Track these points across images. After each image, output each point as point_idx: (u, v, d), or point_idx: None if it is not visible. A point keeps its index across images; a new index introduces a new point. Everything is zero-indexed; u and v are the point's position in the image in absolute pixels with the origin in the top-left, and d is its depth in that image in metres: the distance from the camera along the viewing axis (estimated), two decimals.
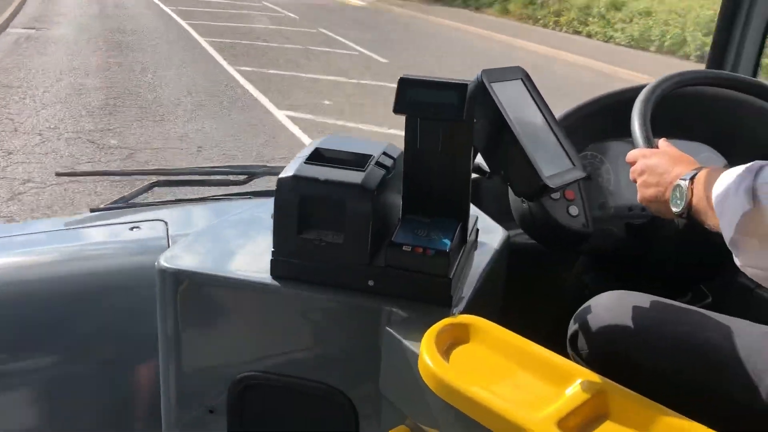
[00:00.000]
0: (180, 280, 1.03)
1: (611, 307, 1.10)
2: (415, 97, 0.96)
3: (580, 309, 1.13)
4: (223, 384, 1.05)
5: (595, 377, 0.80)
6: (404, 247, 0.96)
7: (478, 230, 1.16)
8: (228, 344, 1.06)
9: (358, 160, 1.03)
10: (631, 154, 1.14)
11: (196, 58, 10.33)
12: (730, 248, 0.84)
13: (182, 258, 1.06)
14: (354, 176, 0.99)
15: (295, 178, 1.00)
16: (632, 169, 1.11)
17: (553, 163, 1.04)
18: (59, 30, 12.17)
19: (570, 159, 1.09)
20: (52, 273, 1.35)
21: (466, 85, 0.95)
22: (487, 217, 1.27)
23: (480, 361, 0.86)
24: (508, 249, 1.21)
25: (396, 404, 0.95)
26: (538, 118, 1.09)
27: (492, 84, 1.00)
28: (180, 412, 1.10)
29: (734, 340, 1.01)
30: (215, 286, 1.03)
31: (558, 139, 1.10)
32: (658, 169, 1.05)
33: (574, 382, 0.80)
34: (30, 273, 1.35)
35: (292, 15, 16.38)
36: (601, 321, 1.08)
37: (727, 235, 0.83)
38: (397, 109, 0.96)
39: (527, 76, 1.11)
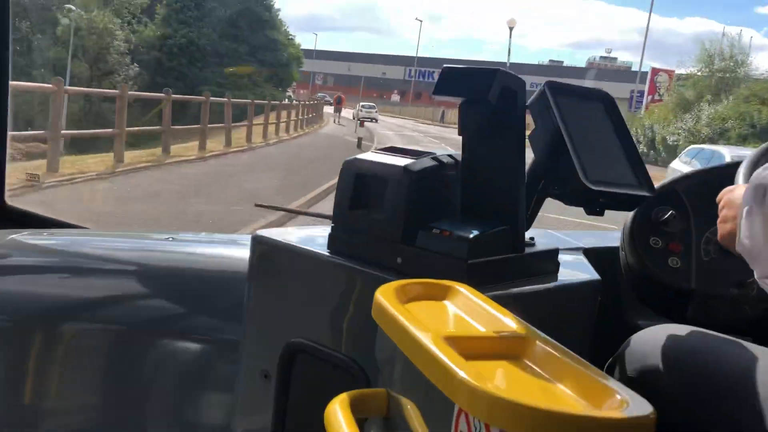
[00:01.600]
0: (259, 244, 1.15)
1: (659, 343, 1.00)
2: (451, 82, 1.00)
3: (630, 343, 1.05)
4: (278, 349, 1.12)
5: (526, 327, 0.75)
6: (434, 230, 1.00)
7: (556, 253, 1.11)
8: (286, 310, 1.14)
9: (419, 154, 1.09)
10: (721, 192, 0.99)
11: None
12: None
13: (272, 233, 1.17)
14: (404, 161, 1.05)
15: (356, 159, 1.09)
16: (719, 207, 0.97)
17: (609, 174, 1.03)
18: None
19: (637, 178, 1.06)
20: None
21: (497, 69, 0.98)
22: (586, 260, 1.22)
23: (435, 309, 0.85)
24: (593, 297, 1.12)
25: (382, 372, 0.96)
26: (610, 140, 1.09)
27: (557, 96, 1.04)
28: (245, 377, 1.20)
29: None
30: (285, 254, 1.13)
31: (630, 164, 1.07)
32: (738, 201, 0.89)
33: (503, 329, 0.75)
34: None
35: None
36: (652, 358, 0.99)
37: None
38: (435, 91, 1.02)
39: (612, 103, 1.12)
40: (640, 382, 0.99)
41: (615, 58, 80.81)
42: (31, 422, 1.60)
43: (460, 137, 1.05)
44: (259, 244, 1.16)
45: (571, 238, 1.43)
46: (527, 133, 1.05)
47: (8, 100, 1.88)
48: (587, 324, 1.13)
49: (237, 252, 1.51)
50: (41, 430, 1.60)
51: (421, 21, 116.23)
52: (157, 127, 13.66)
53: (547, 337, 0.73)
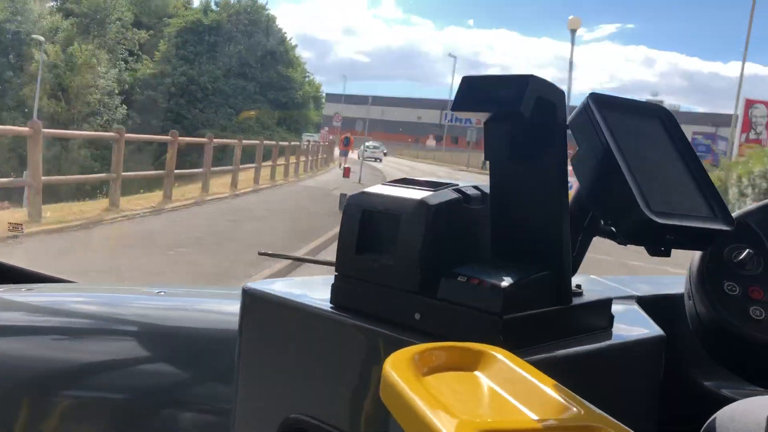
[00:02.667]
0: (250, 298, 0.97)
1: (755, 421, 0.79)
2: (472, 95, 0.82)
3: (716, 422, 0.84)
4: (273, 427, 0.93)
5: (592, 413, 0.57)
6: (460, 278, 0.81)
7: (609, 303, 0.93)
8: (282, 378, 0.95)
9: (438, 186, 0.90)
10: None
11: None
12: None
13: (265, 284, 0.99)
14: (420, 194, 0.86)
15: (363, 193, 0.90)
16: None
17: (676, 204, 0.84)
18: None
19: (711, 208, 0.87)
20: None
21: (529, 75, 0.80)
22: (641, 311, 1.04)
23: (463, 384, 0.65)
24: (657, 355, 0.94)
25: None
26: (673, 163, 0.90)
27: (604, 111, 0.85)
28: None
29: None
30: (280, 309, 0.94)
31: (701, 192, 0.88)
32: None
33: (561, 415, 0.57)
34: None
35: None
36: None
37: None
38: (454, 107, 0.83)
39: (671, 118, 0.94)
40: None
41: (661, 101, 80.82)
42: None
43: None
44: (250, 298, 0.97)
45: (618, 284, 1.22)
46: (569, 155, 0.86)
47: None
48: (651, 389, 0.93)
49: (231, 307, 1.33)
50: None
51: (455, 57, 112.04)
52: (160, 171, 13.49)
53: (620, 425, 0.53)
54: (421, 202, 0.84)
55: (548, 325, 0.84)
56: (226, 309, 1.48)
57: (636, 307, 1.05)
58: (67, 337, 1.47)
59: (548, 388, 0.60)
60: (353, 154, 33.06)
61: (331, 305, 0.90)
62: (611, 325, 0.91)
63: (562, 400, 0.58)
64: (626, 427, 0.54)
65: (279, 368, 0.95)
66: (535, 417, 0.56)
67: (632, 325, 0.96)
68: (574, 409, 0.56)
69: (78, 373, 1.41)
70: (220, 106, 30.22)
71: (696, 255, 1.01)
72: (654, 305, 1.06)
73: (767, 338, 0.89)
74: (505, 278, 0.79)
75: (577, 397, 0.58)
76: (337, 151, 34.57)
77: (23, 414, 1.39)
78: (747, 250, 0.98)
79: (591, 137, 0.84)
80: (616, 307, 0.96)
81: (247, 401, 0.98)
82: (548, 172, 0.83)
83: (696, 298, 0.95)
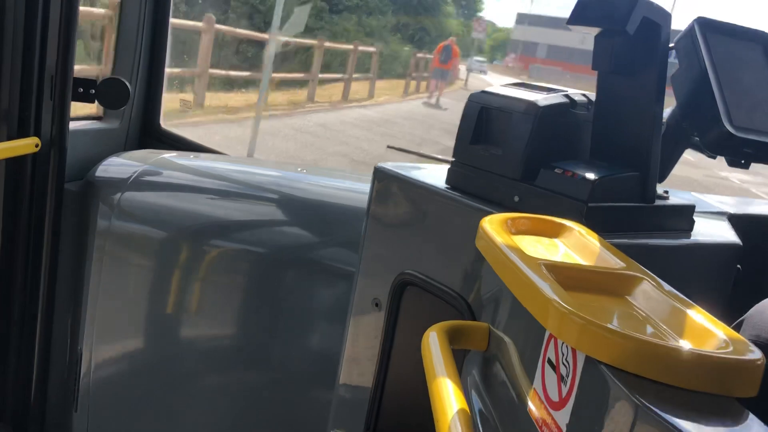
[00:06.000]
0: (380, 176, 1.16)
1: None
2: (586, 11, 0.94)
3: (753, 310, 0.93)
4: (389, 279, 1.14)
5: (635, 267, 0.71)
6: (556, 170, 0.95)
7: (691, 210, 1.04)
8: (400, 241, 1.15)
9: (552, 91, 1.03)
10: None
11: None
12: None
13: (393, 166, 1.18)
14: (534, 96, 1.00)
15: (483, 92, 1.05)
16: None
17: (760, 122, 0.94)
18: None
19: None
20: None
21: None
22: (728, 225, 1.13)
23: (543, 243, 0.81)
24: (729, 262, 1.04)
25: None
26: (766, 83, 0.99)
27: (708, 35, 0.95)
28: (357, 305, 1.23)
29: None
30: (403, 186, 1.13)
31: None
32: None
33: (610, 266, 0.71)
34: None
35: None
36: None
37: None
38: (569, 21, 0.96)
39: None
40: (762, 345, 0.86)
41: None
42: (169, 328, 1.75)
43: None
44: (380, 176, 1.17)
45: (721, 203, 1.32)
46: (671, 73, 0.97)
47: (168, 39, 2.02)
48: (720, 290, 1.04)
49: (361, 186, 1.54)
50: (179, 335, 1.74)
51: None
52: (303, 74, 13.59)
53: (659, 279, 0.68)
54: (531, 103, 0.99)
55: (629, 218, 0.97)
56: (356, 188, 1.71)
57: (725, 221, 1.15)
58: (220, 197, 1.76)
59: (609, 252, 0.76)
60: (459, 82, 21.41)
61: (446, 185, 1.08)
62: (691, 229, 1.03)
63: (615, 259, 0.73)
64: (663, 282, 0.68)
65: (398, 233, 1.16)
66: (585, 263, 0.72)
67: (712, 232, 1.07)
68: (622, 263, 0.72)
69: (225, 227, 1.71)
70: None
71: None
72: (744, 222, 1.16)
73: None
74: (595, 173, 0.93)
75: (632, 261, 0.73)
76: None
77: (182, 256, 1.71)
78: None
79: (690, 58, 0.95)
80: (706, 220, 1.08)
81: (370, 259, 1.20)
82: (647, 86, 0.95)
83: None
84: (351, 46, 15.45)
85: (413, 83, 18.42)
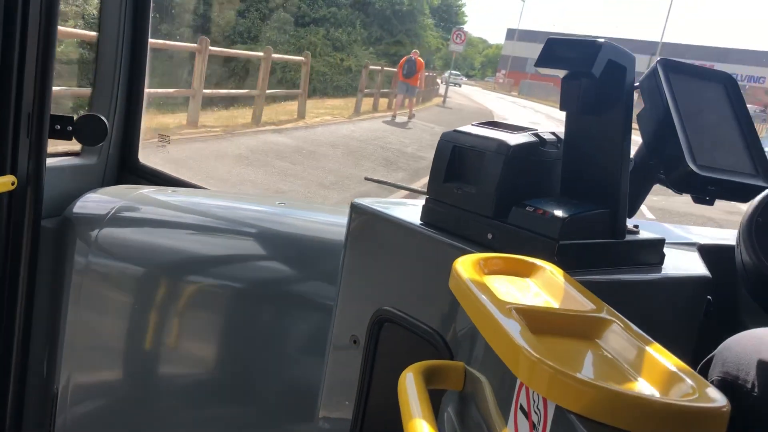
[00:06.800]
0: (356, 211, 1.19)
1: (759, 345, 0.90)
2: (554, 54, 0.97)
3: (727, 343, 0.95)
4: (367, 315, 1.16)
5: (605, 309, 0.72)
6: (528, 208, 0.98)
7: (661, 243, 1.06)
8: (377, 277, 1.17)
9: (521, 130, 1.06)
10: None
11: None
12: None
13: (369, 202, 1.20)
14: (503, 136, 1.03)
15: (455, 131, 1.09)
16: None
17: (722, 160, 0.98)
18: None
19: (754, 166, 1.01)
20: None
21: (601, 41, 0.94)
22: (698, 257, 1.16)
23: (514, 284, 0.83)
24: (700, 295, 1.07)
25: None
26: (727, 125, 1.04)
27: (671, 75, 0.98)
28: (336, 341, 1.24)
29: None
30: (379, 222, 1.15)
31: (748, 152, 1.02)
32: None
33: (580, 309, 0.73)
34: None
35: None
36: (746, 359, 0.88)
37: None
38: (537, 63, 0.99)
39: (734, 85, 1.07)
40: (731, 383, 0.90)
41: None
42: (148, 366, 1.73)
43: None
44: (357, 212, 1.19)
45: (690, 233, 1.34)
46: (637, 112, 1.00)
47: (147, 63, 2.02)
48: (690, 323, 1.06)
49: (339, 220, 1.55)
50: (157, 371, 1.73)
51: None
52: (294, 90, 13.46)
53: (628, 322, 0.69)
54: (502, 143, 1.01)
55: (600, 255, 0.99)
56: (334, 221, 1.72)
57: (695, 252, 1.18)
58: (198, 232, 1.77)
59: (578, 292, 0.77)
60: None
61: (421, 222, 1.10)
62: (661, 263, 1.05)
63: (586, 301, 0.75)
64: (633, 325, 0.69)
65: (375, 270, 1.17)
66: (556, 305, 0.73)
67: (682, 265, 1.09)
68: (593, 305, 0.73)
69: (204, 263, 1.71)
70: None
71: (748, 207, 1.12)
72: (713, 253, 1.18)
73: None
74: (565, 211, 0.96)
75: (603, 303, 0.75)
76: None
77: (161, 292, 1.71)
78: None
79: (654, 98, 0.98)
80: (675, 251, 1.10)
81: (347, 295, 1.21)
82: (614, 125, 0.98)
83: (742, 247, 1.06)
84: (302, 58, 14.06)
85: (369, 100, 16.54)
